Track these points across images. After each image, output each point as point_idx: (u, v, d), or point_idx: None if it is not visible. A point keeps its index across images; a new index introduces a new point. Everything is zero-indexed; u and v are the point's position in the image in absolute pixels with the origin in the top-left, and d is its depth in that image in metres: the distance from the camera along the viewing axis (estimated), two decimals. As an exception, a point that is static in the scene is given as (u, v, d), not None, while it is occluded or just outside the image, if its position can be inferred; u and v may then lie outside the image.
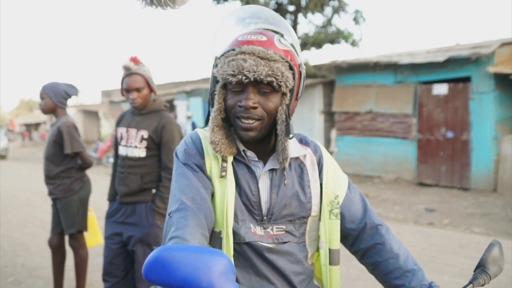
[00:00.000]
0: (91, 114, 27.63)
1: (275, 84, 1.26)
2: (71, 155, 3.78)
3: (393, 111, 11.46)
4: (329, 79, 13.23)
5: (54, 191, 3.79)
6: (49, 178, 3.80)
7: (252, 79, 1.25)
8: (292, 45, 1.37)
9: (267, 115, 1.30)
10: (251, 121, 1.29)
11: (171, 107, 18.07)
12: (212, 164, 1.36)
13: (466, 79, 10.24)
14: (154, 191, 3.11)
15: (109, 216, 3.21)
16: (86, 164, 3.84)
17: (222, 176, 1.34)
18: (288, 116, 1.32)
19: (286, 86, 1.28)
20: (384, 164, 11.76)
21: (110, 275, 3.18)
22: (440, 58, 10.13)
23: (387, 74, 11.61)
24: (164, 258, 0.87)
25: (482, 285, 1.21)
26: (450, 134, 10.42)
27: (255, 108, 1.28)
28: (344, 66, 12.35)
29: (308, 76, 13.56)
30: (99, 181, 11.60)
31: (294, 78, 1.31)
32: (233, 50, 1.30)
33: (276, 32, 1.39)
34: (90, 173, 14.48)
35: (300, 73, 1.34)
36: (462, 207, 8.51)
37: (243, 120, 1.29)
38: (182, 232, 1.16)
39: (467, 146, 10.16)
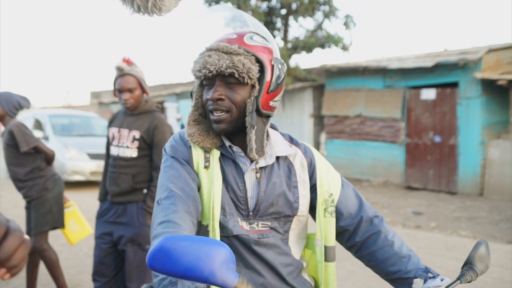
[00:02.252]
0: (79, 116, 27.41)
1: (237, 75, 1.32)
2: (32, 153, 3.74)
3: (382, 115, 11.55)
4: (319, 83, 13.31)
5: (29, 193, 3.76)
6: (21, 182, 3.77)
7: (214, 72, 1.33)
8: (265, 40, 1.43)
9: (235, 106, 1.36)
10: (220, 113, 1.36)
11: (161, 109, 18.03)
12: (199, 158, 1.41)
13: (454, 85, 10.36)
14: (145, 191, 3.13)
15: (100, 215, 3.22)
16: (48, 156, 3.82)
17: (205, 167, 1.39)
18: (258, 109, 1.37)
19: (250, 78, 1.34)
20: (372, 167, 11.84)
21: (100, 274, 3.18)
22: (429, 63, 10.24)
23: (376, 79, 11.71)
24: (168, 247, 0.91)
25: (469, 282, 1.24)
26: (437, 139, 10.53)
27: (221, 99, 1.35)
28: (334, 70, 12.43)
29: (298, 79, 13.62)
30: (90, 183, 11.53)
31: (263, 72, 1.36)
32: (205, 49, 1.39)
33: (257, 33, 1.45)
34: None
35: (272, 67, 1.38)
36: (449, 210, 8.60)
37: (213, 113, 1.37)
38: (172, 216, 1.21)
39: (455, 151, 10.27)
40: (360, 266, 4.83)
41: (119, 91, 3.11)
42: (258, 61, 1.36)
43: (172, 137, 1.49)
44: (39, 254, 3.87)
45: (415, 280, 1.35)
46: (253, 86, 1.36)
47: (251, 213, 1.40)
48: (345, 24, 13.95)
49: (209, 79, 1.36)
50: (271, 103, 1.41)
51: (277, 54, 1.43)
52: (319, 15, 14.11)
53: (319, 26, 14.19)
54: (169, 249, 0.90)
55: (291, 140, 1.54)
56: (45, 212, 3.79)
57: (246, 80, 1.33)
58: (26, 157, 3.73)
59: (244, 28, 1.45)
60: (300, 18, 14.13)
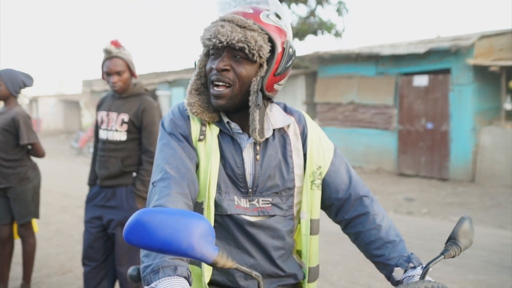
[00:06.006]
0: (72, 104, 27.29)
1: (247, 51, 1.28)
2: (24, 146, 3.68)
3: (375, 102, 11.55)
4: (311, 70, 13.26)
5: (8, 180, 3.66)
6: (1, 167, 3.66)
7: (225, 44, 1.28)
8: (281, 21, 1.38)
9: (238, 81, 1.32)
10: (221, 88, 1.32)
11: (154, 97, 17.91)
12: (197, 130, 1.39)
13: (446, 71, 10.36)
14: (134, 174, 3.11)
15: (89, 200, 3.19)
16: (39, 155, 3.75)
17: (200, 140, 1.37)
18: (263, 89, 1.34)
19: (260, 56, 1.30)
20: (365, 154, 11.86)
21: (90, 259, 3.17)
22: (421, 49, 10.23)
23: (369, 66, 11.69)
24: (145, 220, 0.89)
25: (453, 257, 1.24)
26: (429, 125, 10.55)
27: (226, 70, 1.31)
28: (327, 57, 12.40)
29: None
30: (80, 170, 11.53)
31: (274, 52, 1.32)
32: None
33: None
34: (71, 162, 14.24)
35: (284, 49, 1.34)
36: (440, 196, 8.65)
37: (214, 87, 1.33)
38: (164, 201, 1.19)
39: (446, 137, 10.30)
40: (351, 251, 4.85)
41: (107, 74, 3.07)
42: (271, 41, 1.31)
43: (171, 110, 1.45)
44: (22, 239, 3.82)
45: (395, 268, 1.34)
46: (261, 65, 1.32)
47: (250, 190, 1.38)
48: (338, 10, 13.90)
49: (217, 49, 1.32)
50: (275, 86, 1.38)
51: (290, 37, 1.39)
52: (311, 1, 14.04)
53: (312, 13, 14.13)
54: (146, 222, 0.88)
55: (286, 109, 1.50)
56: (28, 202, 3.73)
57: (255, 58, 1.29)
58: (15, 148, 3.65)
59: (260, 4, 1.41)
60: (293, 5, 14.06)
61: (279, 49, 1.33)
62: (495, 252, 5.12)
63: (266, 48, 1.30)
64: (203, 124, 1.39)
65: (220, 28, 1.28)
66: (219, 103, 1.33)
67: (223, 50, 1.31)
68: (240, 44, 1.27)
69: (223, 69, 1.30)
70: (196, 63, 1.41)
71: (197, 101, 1.38)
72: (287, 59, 1.35)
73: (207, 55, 1.39)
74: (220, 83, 1.32)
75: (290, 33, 1.41)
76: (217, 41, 1.28)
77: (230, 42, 1.27)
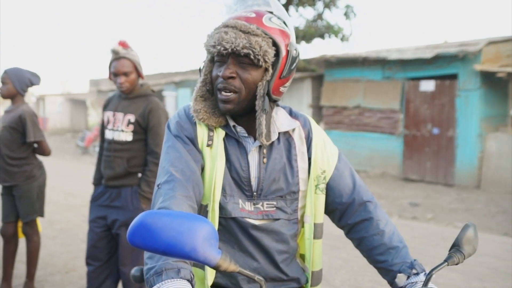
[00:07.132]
0: (78, 103, 27.39)
1: (252, 57, 1.28)
2: (30, 144, 3.70)
3: (381, 107, 11.53)
4: (318, 73, 13.26)
5: (13, 178, 3.69)
6: (6, 164, 3.69)
7: (230, 50, 1.28)
8: (285, 23, 1.39)
9: (245, 87, 1.32)
10: (229, 93, 1.32)
11: (160, 98, 17.96)
12: (203, 135, 1.39)
13: (453, 76, 10.33)
14: (140, 175, 3.12)
15: (94, 199, 3.20)
16: (45, 153, 3.77)
17: (208, 145, 1.37)
18: (269, 93, 1.34)
19: (265, 61, 1.30)
20: (370, 158, 11.84)
21: (94, 258, 3.18)
22: (428, 54, 10.20)
23: (376, 70, 11.67)
24: (148, 222, 0.89)
25: (457, 264, 1.23)
26: (436, 131, 10.51)
27: (232, 78, 1.31)
28: (333, 61, 12.38)
29: (297, 69, 13.59)
30: (85, 170, 11.56)
31: (278, 56, 1.32)
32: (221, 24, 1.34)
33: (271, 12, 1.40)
34: (77, 161, 14.28)
35: (288, 52, 1.34)
36: (445, 202, 8.61)
37: (222, 92, 1.32)
38: (169, 203, 1.19)
39: (452, 143, 10.26)
40: (354, 255, 4.84)
41: (114, 74, 3.09)
42: (275, 44, 1.31)
43: (176, 113, 1.45)
44: (27, 237, 3.83)
45: (398, 275, 1.33)
46: (266, 69, 1.32)
47: (255, 193, 1.38)
48: (345, 14, 13.90)
49: (222, 56, 1.32)
50: (281, 89, 1.38)
51: (293, 39, 1.39)
52: (319, 5, 14.05)
53: (319, 16, 14.14)
54: (150, 224, 0.89)
55: (291, 113, 1.51)
56: (33, 201, 3.74)
57: (260, 63, 1.29)
58: (21, 146, 3.67)
59: (261, 7, 1.41)
60: (300, 8, 14.07)
61: (283, 52, 1.33)
62: (500, 259, 5.09)
63: (271, 52, 1.30)
64: (210, 129, 1.39)
65: (224, 35, 1.28)
66: (227, 108, 1.33)
67: (228, 57, 1.31)
68: (245, 50, 1.27)
69: (229, 77, 1.30)
70: (201, 69, 1.41)
71: (203, 107, 1.38)
72: (292, 62, 1.35)
73: (212, 61, 1.39)
74: (227, 91, 1.32)
75: (293, 35, 1.41)
76: (222, 48, 1.28)
77: (235, 49, 1.27)
